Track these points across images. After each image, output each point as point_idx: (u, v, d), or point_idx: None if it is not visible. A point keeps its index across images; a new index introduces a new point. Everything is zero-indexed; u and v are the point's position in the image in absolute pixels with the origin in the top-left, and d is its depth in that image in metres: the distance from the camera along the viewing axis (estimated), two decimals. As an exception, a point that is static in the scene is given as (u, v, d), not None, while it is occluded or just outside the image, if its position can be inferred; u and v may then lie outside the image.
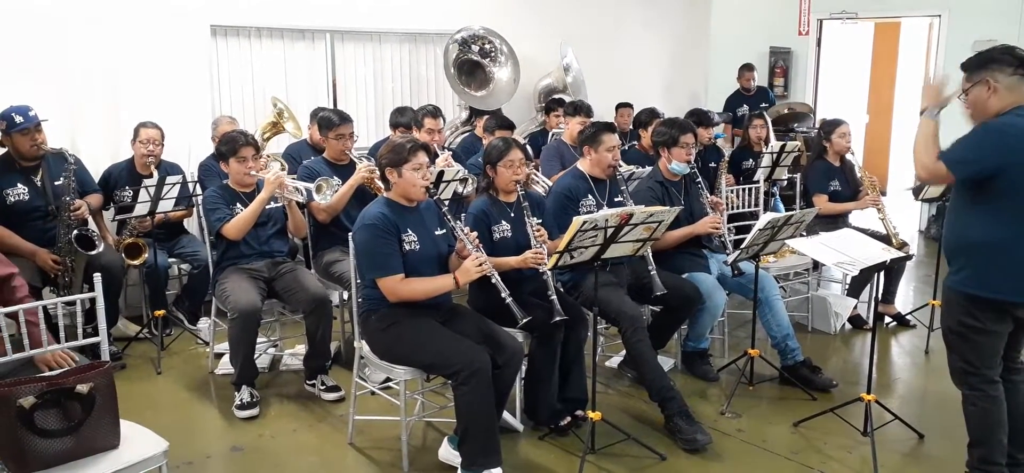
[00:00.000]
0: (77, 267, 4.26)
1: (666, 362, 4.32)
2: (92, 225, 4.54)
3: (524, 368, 3.62)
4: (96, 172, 4.91)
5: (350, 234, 3.38)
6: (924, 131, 2.91)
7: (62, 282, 4.25)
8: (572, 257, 3.20)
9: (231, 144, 4.09)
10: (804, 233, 3.93)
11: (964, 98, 2.90)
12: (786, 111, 8.19)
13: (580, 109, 5.51)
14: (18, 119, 4.19)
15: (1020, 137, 2.70)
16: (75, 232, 4.26)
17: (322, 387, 4.07)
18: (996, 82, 2.77)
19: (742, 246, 3.87)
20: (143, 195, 4.45)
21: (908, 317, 5.20)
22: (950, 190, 4.76)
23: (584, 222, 3.05)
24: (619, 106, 7.18)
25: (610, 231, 3.17)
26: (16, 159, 4.31)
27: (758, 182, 5.50)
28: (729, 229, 4.66)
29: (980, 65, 2.83)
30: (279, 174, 4.07)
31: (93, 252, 4.23)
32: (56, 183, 4.38)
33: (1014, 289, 2.79)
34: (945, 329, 3.00)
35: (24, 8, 4.93)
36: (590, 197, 4.00)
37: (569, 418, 3.64)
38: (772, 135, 6.51)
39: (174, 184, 4.53)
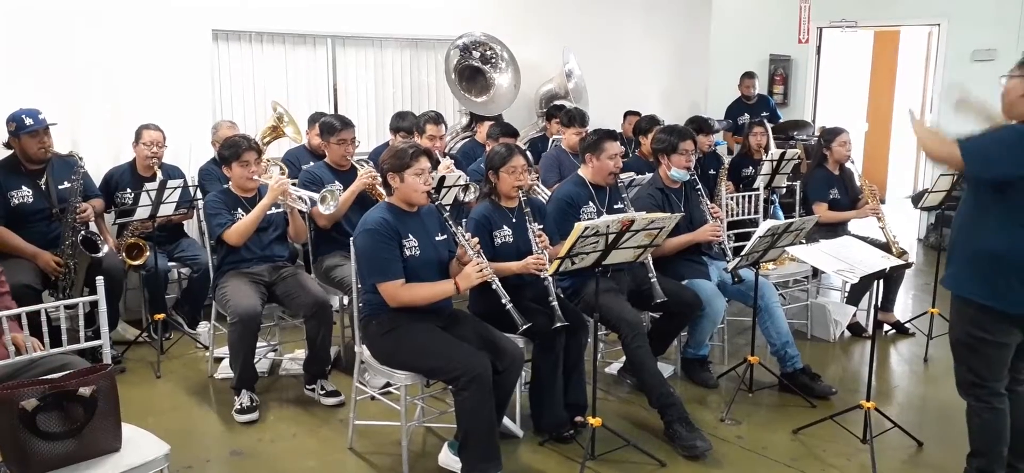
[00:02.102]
0: (79, 269, 4.26)
1: (666, 369, 4.32)
2: (94, 228, 4.54)
3: (527, 375, 3.62)
4: (96, 175, 4.92)
5: (351, 239, 3.38)
6: (923, 129, 2.98)
7: (63, 284, 4.25)
8: (573, 263, 3.21)
9: (234, 149, 4.10)
10: (804, 241, 3.94)
11: (1004, 80, 2.83)
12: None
13: (574, 119, 5.51)
14: (28, 121, 4.22)
15: None
16: (81, 234, 4.27)
17: (322, 392, 4.07)
18: None
19: (742, 253, 3.88)
20: (144, 198, 4.46)
21: (907, 325, 5.21)
22: (950, 197, 4.83)
23: (586, 228, 3.06)
24: (627, 114, 7.16)
25: (611, 237, 3.18)
26: (22, 162, 4.32)
27: (758, 189, 5.52)
28: (729, 236, 4.67)
29: None
30: (283, 181, 4.07)
31: (98, 254, 4.24)
32: (61, 186, 4.39)
33: None
34: (953, 340, 2.95)
35: (26, 11, 4.94)
36: (591, 204, 4.01)
37: (569, 424, 3.64)
38: (772, 143, 6.53)
39: (175, 188, 4.53)
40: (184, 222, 5.15)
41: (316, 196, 4.09)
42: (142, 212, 4.50)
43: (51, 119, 4.31)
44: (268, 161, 4.96)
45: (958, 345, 2.94)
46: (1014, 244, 2.72)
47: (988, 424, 2.92)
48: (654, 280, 3.79)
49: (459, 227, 3.33)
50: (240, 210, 4.09)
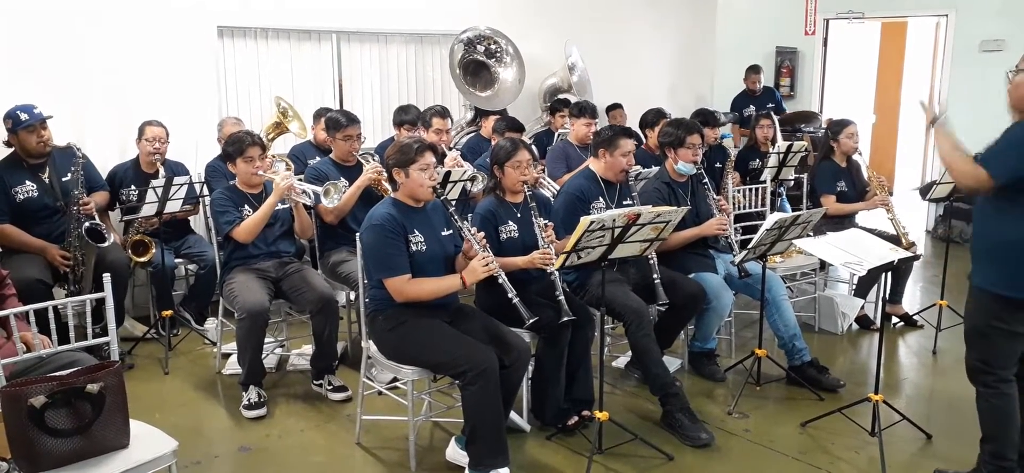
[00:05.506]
0: (87, 261, 4.28)
1: (673, 362, 4.32)
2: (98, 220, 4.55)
3: (531, 368, 3.62)
4: (104, 172, 4.92)
5: (357, 235, 3.38)
6: (945, 143, 2.86)
7: (73, 277, 4.26)
8: (579, 257, 3.20)
9: (238, 144, 4.10)
10: (811, 233, 3.92)
11: (1011, 75, 2.84)
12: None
13: (585, 110, 5.50)
14: (23, 117, 4.24)
15: None
16: (86, 225, 4.28)
17: (329, 387, 4.08)
18: None
19: (749, 246, 3.87)
20: (150, 195, 4.46)
21: (915, 317, 5.19)
22: (959, 189, 4.80)
23: (591, 222, 3.05)
24: (609, 108, 7.08)
25: (617, 231, 3.17)
26: (23, 157, 4.34)
27: (764, 182, 5.50)
28: (735, 229, 4.66)
29: None
30: (288, 176, 4.08)
31: (103, 244, 4.25)
32: (64, 179, 4.40)
33: None
34: (968, 328, 2.97)
35: (32, 8, 4.95)
36: (600, 200, 4.00)
37: (576, 418, 3.64)
38: (779, 135, 6.51)
39: (181, 185, 4.54)
40: (190, 218, 5.16)
41: (319, 189, 4.09)
42: (148, 209, 4.51)
43: (48, 112, 4.32)
44: (273, 157, 4.96)
45: (972, 333, 2.96)
46: None
47: (998, 409, 2.95)
48: (658, 281, 3.78)
49: (465, 222, 3.32)
50: (247, 207, 4.09)
